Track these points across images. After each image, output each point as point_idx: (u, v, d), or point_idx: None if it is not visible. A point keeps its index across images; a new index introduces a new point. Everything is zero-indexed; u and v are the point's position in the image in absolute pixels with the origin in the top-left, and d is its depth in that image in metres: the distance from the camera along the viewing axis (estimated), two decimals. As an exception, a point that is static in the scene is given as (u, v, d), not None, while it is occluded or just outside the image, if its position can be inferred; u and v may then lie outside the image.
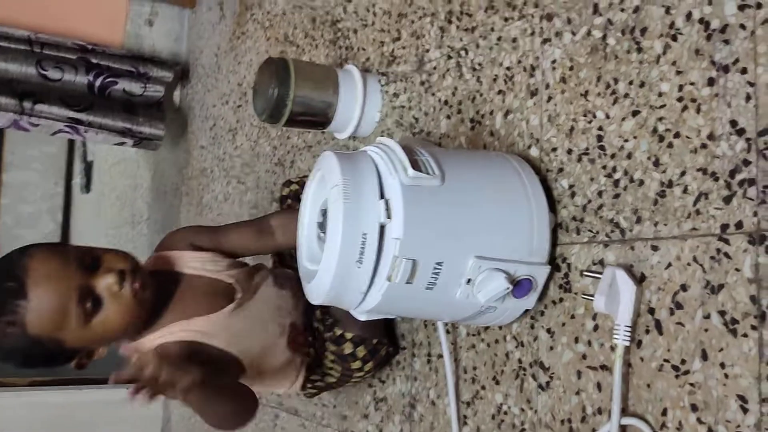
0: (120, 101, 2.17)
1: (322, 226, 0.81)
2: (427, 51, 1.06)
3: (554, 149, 0.81)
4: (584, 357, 0.74)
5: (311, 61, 1.41)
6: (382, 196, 0.73)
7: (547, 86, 0.83)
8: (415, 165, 0.73)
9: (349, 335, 1.00)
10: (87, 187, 3.75)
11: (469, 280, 0.74)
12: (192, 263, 1.02)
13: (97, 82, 2.12)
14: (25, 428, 2.07)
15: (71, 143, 3.97)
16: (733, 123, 0.62)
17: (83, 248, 0.95)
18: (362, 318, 0.80)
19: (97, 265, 0.91)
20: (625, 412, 0.69)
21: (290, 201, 1.15)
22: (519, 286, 0.76)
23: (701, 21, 0.65)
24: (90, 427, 2.15)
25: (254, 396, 0.99)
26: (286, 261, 1.18)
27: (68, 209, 4.08)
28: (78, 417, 2.14)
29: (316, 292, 0.77)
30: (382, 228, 0.72)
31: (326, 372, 1.07)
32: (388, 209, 0.72)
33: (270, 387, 1.08)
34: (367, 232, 0.71)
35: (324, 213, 0.80)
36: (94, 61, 2.11)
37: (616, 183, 0.73)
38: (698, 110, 0.65)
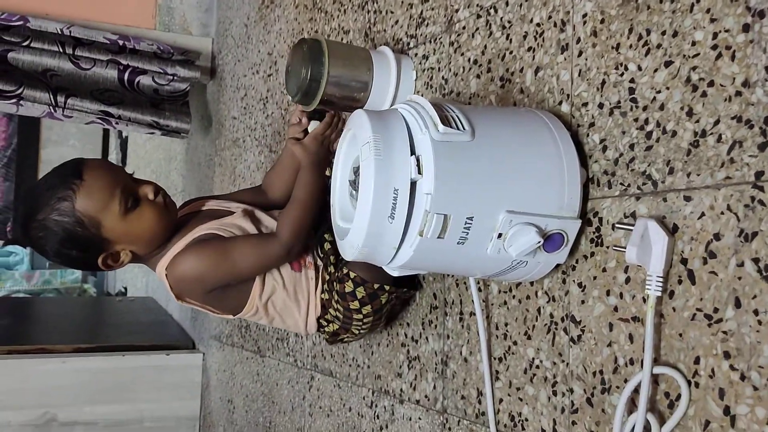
0: (148, 95, 2.23)
1: (354, 184, 0.82)
2: (456, 11, 1.05)
3: (585, 104, 0.81)
4: (616, 309, 0.75)
5: (345, 42, 1.41)
6: (413, 152, 0.73)
7: (578, 41, 0.82)
8: (445, 121, 0.73)
9: (352, 275, 1.04)
10: (123, 161, 3.83)
11: (500, 235, 0.74)
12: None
13: (126, 75, 2.18)
14: (70, 392, 2.14)
15: (106, 119, 4.04)
16: (769, 69, 0.61)
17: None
18: (395, 274, 0.81)
19: (139, 181, 1.09)
20: (657, 361, 0.69)
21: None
22: (550, 241, 0.76)
23: (736, -34, 0.64)
24: (132, 391, 2.22)
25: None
26: None
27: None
28: (120, 382, 2.21)
29: (350, 249, 0.79)
30: (413, 184, 0.73)
31: (333, 315, 1.11)
32: (419, 165, 0.72)
33: (289, 313, 1.13)
34: (398, 187, 0.72)
35: (356, 171, 0.81)
36: (124, 62, 2.16)
37: (649, 135, 0.72)
38: (733, 57, 0.64)
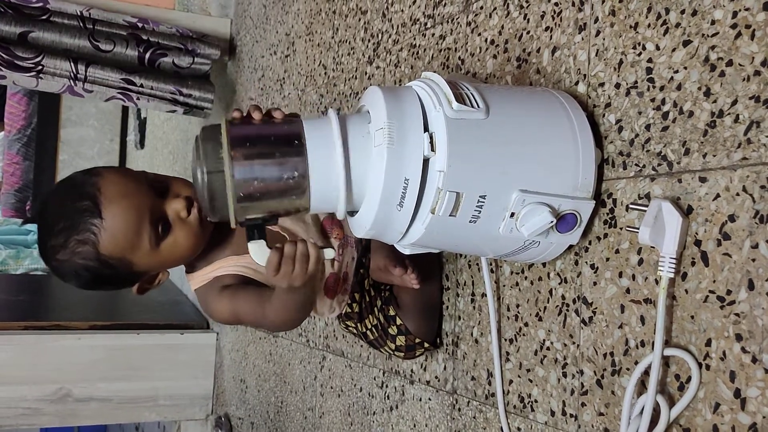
0: (170, 73, 2.22)
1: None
2: (474, -10, 1.04)
3: (602, 84, 0.80)
4: (628, 291, 0.74)
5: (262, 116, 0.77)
6: (426, 129, 0.73)
7: (596, 20, 0.81)
8: (460, 98, 0.73)
9: (399, 321, 1.05)
10: (141, 143, 3.85)
11: (512, 214, 0.74)
12: None
13: (147, 55, 2.16)
14: (85, 368, 2.17)
15: (125, 100, 4.06)
16: (789, 48, 0.60)
17: (151, 173, 0.95)
18: (406, 252, 0.81)
19: (165, 190, 0.91)
20: (668, 343, 0.69)
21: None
22: (563, 221, 0.76)
23: (758, -57, 0.63)
24: (146, 369, 2.24)
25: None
26: None
27: (123, 164, 4.20)
28: (135, 359, 2.23)
29: (359, 228, 0.79)
30: (425, 161, 0.72)
31: (363, 329, 1.11)
32: (432, 142, 0.72)
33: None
34: (409, 177, 0.71)
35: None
36: (144, 37, 2.16)
37: (665, 115, 0.72)
38: (752, 36, 0.63)
